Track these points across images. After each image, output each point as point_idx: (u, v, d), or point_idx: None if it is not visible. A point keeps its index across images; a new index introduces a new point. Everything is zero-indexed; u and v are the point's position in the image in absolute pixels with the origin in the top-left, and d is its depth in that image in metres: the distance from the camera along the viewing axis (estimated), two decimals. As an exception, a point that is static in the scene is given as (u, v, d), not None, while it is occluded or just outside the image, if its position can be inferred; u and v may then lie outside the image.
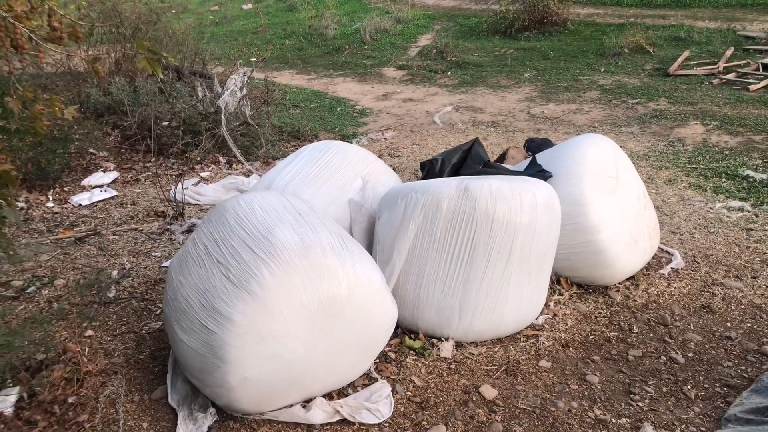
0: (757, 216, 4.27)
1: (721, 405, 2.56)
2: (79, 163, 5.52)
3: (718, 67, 8.34)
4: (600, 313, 3.26)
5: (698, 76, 8.29)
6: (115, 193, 5.02)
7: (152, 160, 5.72)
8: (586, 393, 2.66)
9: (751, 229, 4.09)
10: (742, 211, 4.36)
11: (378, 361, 2.83)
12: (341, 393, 2.63)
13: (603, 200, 3.26)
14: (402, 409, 2.55)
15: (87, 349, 2.77)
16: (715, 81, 7.95)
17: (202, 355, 2.29)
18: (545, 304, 3.25)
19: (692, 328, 3.11)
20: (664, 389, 2.67)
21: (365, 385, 2.67)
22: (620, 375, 2.77)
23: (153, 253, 3.96)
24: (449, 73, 9.82)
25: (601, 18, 12.09)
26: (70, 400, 2.48)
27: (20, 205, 4.63)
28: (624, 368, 2.82)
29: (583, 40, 10.96)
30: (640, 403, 2.58)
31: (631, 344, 2.99)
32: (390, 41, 12.41)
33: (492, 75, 9.41)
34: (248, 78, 6.38)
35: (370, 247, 3.16)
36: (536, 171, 3.40)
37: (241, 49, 11.03)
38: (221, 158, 5.85)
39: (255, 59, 10.92)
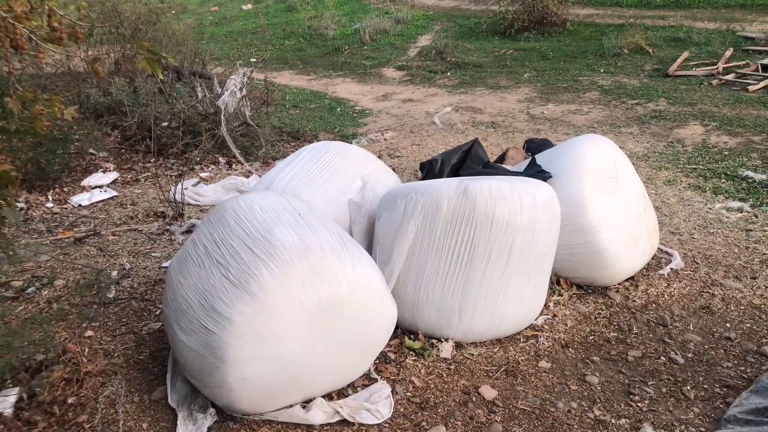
0: (756, 216, 4.28)
1: (721, 406, 2.56)
2: (79, 164, 5.52)
3: (717, 68, 8.34)
4: (599, 313, 3.26)
5: (698, 76, 8.29)
6: (114, 193, 5.02)
7: (152, 160, 5.72)
8: (585, 393, 2.66)
9: (751, 230, 4.09)
10: (741, 212, 4.36)
11: (378, 361, 2.83)
12: (341, 393, 2.63)
13: (602, 201, 3.26)
14: (402, 410, 2.55)
15: (87, 350, 2.77)
16: (715, 82, 7.96)
17: (201, 355, 2.29)
18: (545, 305, 3.25)
19: (692, 328, 3.11)
20: (664, 390, 2.67)
21: (365, 386, 2.67)
22: (620, 375, 2.78)
23: (153, 254, 3.96)
24: (449, 73, 9.83)
25: (600, 18, 12.10)
26: (70, 400, 2.48)
27: (20, 205, 4.63)
28: (623, 369, 2.82)
29: (583, 40, 10.96)
30: (639, 404, 2.58)
31: (631, 345, 3.00)
32: (389, 42, 12.41)
33: (491, 75, 9.41)
34: (248, 78, 6.38)
35: (369, 248, 3.16)
36: (536, 172, 3.40)
37: (241, 49, 11.03)
38: (221, 159, 5.85)
39: (255, 60, 10.92)
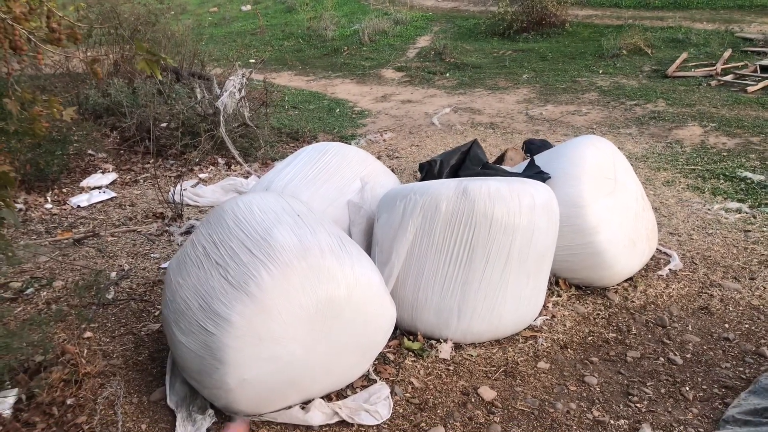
0: (754, 217, 4.28)
1: (719, 406, 2.56)
2: (78, 165, 5.52)
3: (716, 69, 8.35)
4: (598, 314, 3.26)
5: (696, 77, 8.31)
6: (113, 194, 5.02)
7: (151, 161, 5.72)
8: (584, 394, 2.67)
9: (749, 231, 4.10)
10: (739, 213, 4.37)
11: (377, 362, 2.83)
12: (340, 394, 2.63)
13: (601, 202, 3.26)
14: (401, 411, 2.55)
15: (85, 351, 2.77)
16: (713, 82, 7.97)
17: (200, 356, 2.29)
18: (544, 306, 3.25)
19: (690, 329, 3.11)
20: (663, 390, 2.67)
21: (364, 387, 2.67)
22: (619, 376, 2.78)
23: (152, 255, 3.96)
24: (448, 74, 9.84)
25: (599, 19, 12.11)
26: (69, 401, 2.48)
27: (19, 206, 4.63)
28: (622, 369, 2.82)
29: (582, 41, 10.97)
30: (638, 405, 2.58)
31: (630, 345, 3.00)
32: (388, 43, 12.42)
33: (490, 76, 9.42)
34: (247, 79, 6.38)
35: (368, 249, 3.16)
36: (535, 172, 3.40)
37: (240, 50, 11.04)
38: (220, 159, 5.85)
39: (254, 60, 10.92)
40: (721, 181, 4.94)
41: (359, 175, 3.43)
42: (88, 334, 3.01)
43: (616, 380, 2.75)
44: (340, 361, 2.50)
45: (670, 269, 3.64)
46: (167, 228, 4.34)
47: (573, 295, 3.42)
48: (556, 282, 3.45)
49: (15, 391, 2.43)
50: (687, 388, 2.68)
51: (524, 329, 3.11)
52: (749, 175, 4.97)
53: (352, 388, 2.67)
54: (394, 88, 9.30)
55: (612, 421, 2.50)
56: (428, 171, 4.03)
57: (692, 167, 5.29)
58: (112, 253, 3.99)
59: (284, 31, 14.30)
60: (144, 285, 3.56)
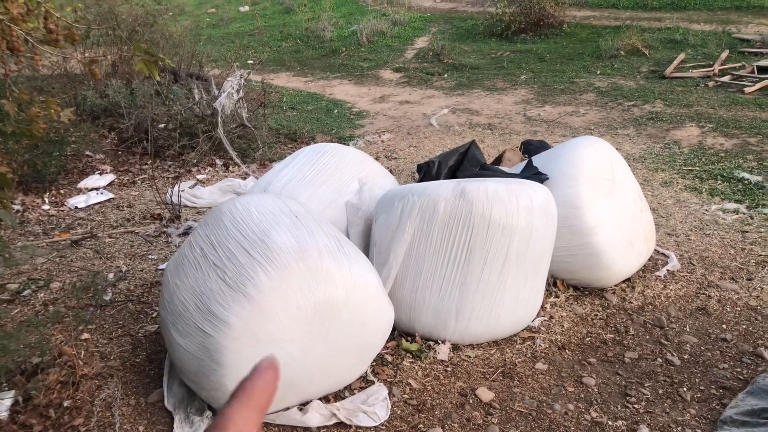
0: (752, 218, 4.29)
1: (717, 407, 2.56)
2: (76, 166, 5.51)
3: (713, 70, 8.37)
4: (596, 315, 3.27)
5: (694, 78, 8.32)
6: (111, 195, 5.02)
7: (149, 162, 5.71)
8: (582, 395, 2.67)
9: (747, 231, 4.11)
10: (737, 213, 4.37)
11: (375, 363, 2.83)
12: (338, 396, 2.63)
13: (599, 203, 3.27)
14: (398, 412, 2.55)
15: (83, 353, 2.77)
16: (711, 83, 7.98)
17: (198, 358, 2.28)
18: (541, 307, 3.25)
19: (688, 330, 3.12)
20: (660, 391, 2.68)
21: (362, 388, 2.67)
22: (616, 377, 2.78)
23: (149, 256, 3.95)
24: (446, 75, 9.84)
25: (597, 20, 12.13)
26: (66, 403, 2.47)
27: (16, 207, 4.62)
28: (620, 370, 2.82)
29: (579, 42, 10.99)
30: (636, 405, 2.59)
31: (628, 346, 3.00)
32: (387, 43, 12.42)
33: (488, 77, 9.43)
34: (245, 80, 6.38)
35: (366, 250, 3.16)
36: (532, 173, 3.41)
37: (238, 51, 11.04)
38: (218, 161, 5.85)
39: (252, 61, 10.92)
40: (719, 181, 4.95)
41: (357, 176, 3.43)
42: (85, 335, 3.00)
43: (614, 381, 2.75)
44: (337, 362, 2.50)
45: (667, 270, 3.64)
46: (165, 229, 4.34)
47: (571, 295, 3.42)
48: (554, 283, 3.46)
49: (12, 393, 2.42)
50: (685, 389, 2.68)
51: (522, 330, 3.11)
52: (746, 175, 4.98)
53: (350, 389, 2.67)
54: (393, 89, 9.31)
55: (610, 422, 2.50)
56: (426, 172, 4.03)
57: (690, 168, 5.30)
58: (109, 254, 3.99)
59: (282, 32, 14.30)
60: (142, 286, 3.56)
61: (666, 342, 3.02)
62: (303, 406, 2.52)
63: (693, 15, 11.68)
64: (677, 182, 5.01)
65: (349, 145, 6.10)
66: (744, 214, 4.36)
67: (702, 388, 2.69)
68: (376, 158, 5.67)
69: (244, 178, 5.35)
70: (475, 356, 2.93)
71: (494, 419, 2.52)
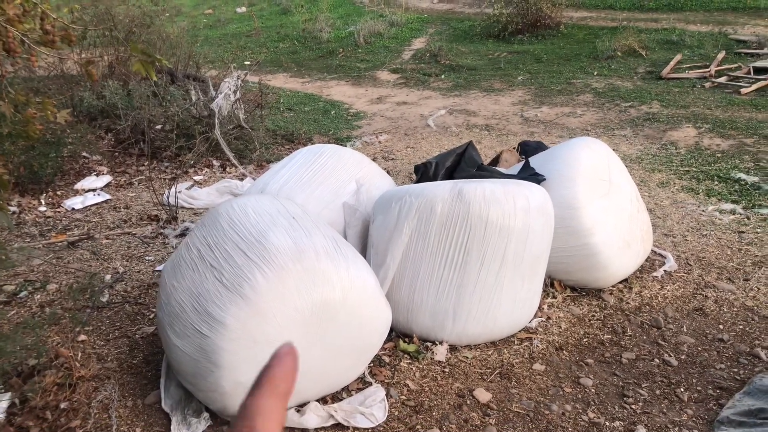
0: (748, 218, 4.30)
1: (714, 407, 2.57)
2: (72, 167, 5.50)
3: (710, 71, 8.39)
4: (593, 316, 3.27)
5: (690, 79, 8.34)
6: (108, 196, 5.00)
7: (146, 163, 5.70)
8: (579, 396, 2.67)
9: (743, 232, 4.11)
10: (734, 214, 4.38)
11: (372, 365, 2.83)
12: (335, 397, 2.63)
13: (596, 203, 3.27)
14: (396, 413, 2.55)
15: (80, 354, 2.76)
16: (707, 84, 8.00)
17: (195, 359, 2.28)
18: (539, 307, 3.25)
19: (685, 330, 3.12)
20: (658, 392, 2.68)
21: (359, 389, 2.67)
22: (614, 378, 2.78)
23: (146, 257, 3.95)
24: (443, 76, 9.85)
25: (594, 21, 12.15)
26: (63, 405, 2.46)
27: (12, 209, 4.61)
28: (617, 371, 2.83)
29: (576, 43, 11.01)
30: (633, 406, 2.59)
31: (625, 347, 3.00)
32: (384, 44, 12.43)
33: (485, 78, 9.43)
34: (242, 81, 6.38)
35: (364, 251, 3.16)
36: (529, 174, 3.41)
37: (235, 52, 11.03)
38: (215, 162, 5.84)
39: (249, 62, 10.91)
40: (716, 182, 4.96)
41: (354, 177, 3.43)
42: (82, 337, 3.00)
43: (612, 382, 2.76)
44: (335, 363, 2.50)
45: (664, 270, 3.65)
46: (162, 230, 4.33)
47: (568, 296, 3.42)
48: (551, 284, 3.46)
49: (8, 395, 2.41)
50: (682, 390, 2.68)
51: (519, 331, 3.11)
52: (743, 176, 4.99)
53: (347, 390, 2.67)
54: (390, 89, 9.31)
55: (607, 423, 2.50)
56: (423, 173, 4.04)
57: (686, 169, 5.31)
58: (106, 255, 3.98)
59: (279, 33, 14.29)
60: (138, 288, 3.55)
61: (663, 342, 3.02)
62: (300, 407, 2.51)
63: (690, 16, 11.71)
64: (674, 183, 5.02)
65: (346, 146, 6.09)
66: (740, 214, 4.37)
67: (699, 388, 2.69)
68: (374, 159, 5.67)
69: (241, 179, 5.35)
70: (473, 357, 2.93)
71: (492, 420, 2.52)
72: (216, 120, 5.76)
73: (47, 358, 2.59)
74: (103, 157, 5.79)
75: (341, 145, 5.42)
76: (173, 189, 4.66)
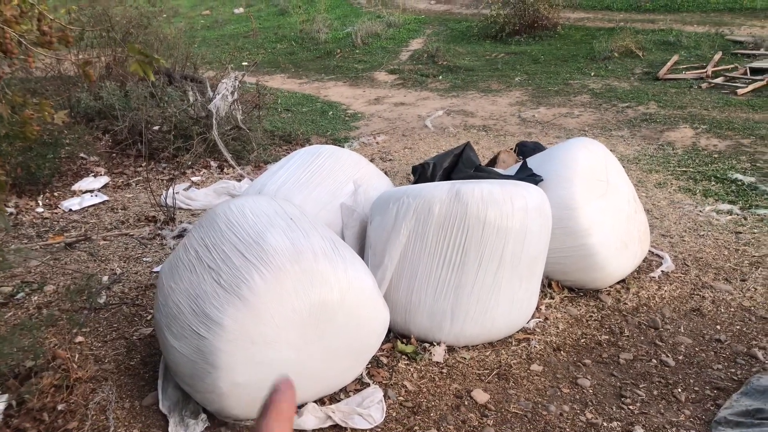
0: (745, 219, 4.31)
1: (711, 408, 2.57)
2: (70, 168, 5.49)
3: (706, 71, 8.42)
4: (591, 316, 3.27)
5: (687, 80, 8.36)
6: (105, 198, 5.00)
7: (143, 164, 5.69)
8: (577, 396, 2.67)
9: (740, 232, 4.13)
10: (731, 214, 4.39)
11: (370, 366, 2.83)
12: (333, 398, 2.63)
13: (593, 204, 3.28)
14: (394, 414, 2.55)
15: (77, 356, 2.75)
16: (704, 85, 8.02)
17: (193, 360, 2.28)
18: (536, 308, 3.26)
19: (682, 331, 3.13)
20: (655, 392, 2.68)
21: (357, 390, 2.67)
22: (611, 378, 2.79)
23: (144, 259, 3.94)
24: (440, 77, 9.85)
25: (591, 22, 12.17)
26: (60, 407, 2.46)
27: (10, 210, 4.60)
28: (615, 371, 2.83)
29: (574, 44, 11.02)
30: (631, 407, 2.59)
31: (622, 347, 3.01)
32: (381, 45, 12.43)
33: (483, 79, 9.44)
34: (239, 82, 6.37)
35: (361, 252, 3.16)
36: (527, 175, 3.41)
37: (233, 53, 11.03)
38: (212, 163, 5.83)
39: (246, 63, 10.91)
40: (713, 182, 4.97)
41: (352, 177, 3.43)
42: (79, 338, 2.99)
43: (609, 382, 2.76)
44: (333, 364, 2.50)
45: (662, 271, 3.65)
46: (159, 231, 4.33)
47: (566, 297, 3.43)
48: (548, 284, 3.46)
49: (5, 396, 2.41)
50: (679, 390, 2.69)
51: (517, 332, 3.11)
52: (740, 176, 5.00)
53: (345, 391, 2.67)
54: (387, 90, 9.31)
55: (605, 423, 2.50)
56: (421, 174, 4.04)
57: (684, 169, 5.32)
58: (104, 257, 3.97)
59: (277, 34, 14.28)
60: (136, 289, 3.54)
61: (660, 343, 3.03)
62: (298, 408, 2.51)
63: (686, 17, 11.74)
64: (671, 183, 5.03)
65: (344, 146, 6.09)
66: (737, 215, 4.38)
67: (696, 388, 2.70)
68: (371, 160, 5.67)
69: (239, 180, 5.34)
70: (471, 358, 2.93)
71: (489, 421, 2.52)
72: (213, 121, 5.76)
73: (44, 359, 2.58)
74: (101, 158, 5.78)
75: (339, 145, 5.41)
76: (171, 190, 4.65)
